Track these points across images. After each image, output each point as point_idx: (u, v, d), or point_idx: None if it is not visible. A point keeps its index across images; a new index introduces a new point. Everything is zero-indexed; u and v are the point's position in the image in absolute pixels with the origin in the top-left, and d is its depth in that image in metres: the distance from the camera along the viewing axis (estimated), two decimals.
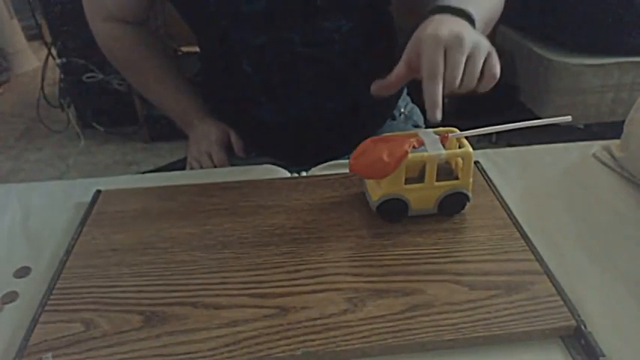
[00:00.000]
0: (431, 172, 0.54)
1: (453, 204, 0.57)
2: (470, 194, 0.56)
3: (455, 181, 0.55)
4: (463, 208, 0.57)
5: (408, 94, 0.90)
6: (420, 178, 0.55)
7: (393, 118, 0.86)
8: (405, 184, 0.54)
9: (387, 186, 0.54)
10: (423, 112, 0.91)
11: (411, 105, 0.89)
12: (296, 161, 0.77)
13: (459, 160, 0.55)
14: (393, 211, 0.56)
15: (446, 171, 0.57)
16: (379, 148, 0.53)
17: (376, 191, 0.56)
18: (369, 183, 0.58)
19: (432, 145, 0.53)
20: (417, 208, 0.56)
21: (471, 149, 0.54)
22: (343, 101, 0.75)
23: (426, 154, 0.53)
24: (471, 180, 0.55)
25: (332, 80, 0.73)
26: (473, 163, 0.55)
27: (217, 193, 0.63)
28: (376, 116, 0.83)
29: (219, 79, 0.81)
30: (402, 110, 0.87)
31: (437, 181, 0.55)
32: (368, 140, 0.55)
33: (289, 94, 0.74)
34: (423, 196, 0.55)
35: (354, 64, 0.74)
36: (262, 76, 0.72)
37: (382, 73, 0.78)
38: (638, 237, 0.56)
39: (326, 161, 0.74)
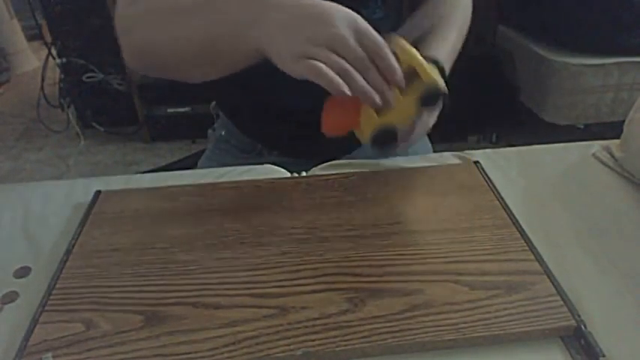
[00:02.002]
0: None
1: (430, 100, 0.54)
2: (442, 87, 0.54)
3: (420, 81, 0.53)
4: (443, 104, 0.56)
5: None
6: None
7: None
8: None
9: (373, 120, 0.53)
10: None
11: None
12: (300, 154, 0.77)
13: (411, 65, 0.53)
14: (387, 139, 0.55)
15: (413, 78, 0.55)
16: (337, 102, 0.53)
17: (367, 127, 0.54)
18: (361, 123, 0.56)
19: None
20: (403, 122, 0.55)
21: (408, 46, 0.53)
22: None
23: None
24: (434, 73, 0.53)
25: None
26: (419, 57, 0.53)
27: (217, 193, 0.63)
28: None
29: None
30: None
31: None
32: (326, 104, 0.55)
33: (296, 82, 0.73)
34: (403, 109, 0.54)
35: None
36: (269, 63, 0.72)
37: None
38: (638, 237, 0.56)
39: (326, 158, 0.74)
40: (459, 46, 0.76)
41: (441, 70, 0.60)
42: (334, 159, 0.74)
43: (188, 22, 0.59)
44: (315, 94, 0.73)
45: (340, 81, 0.49)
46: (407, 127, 0.60)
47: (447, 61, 0.68)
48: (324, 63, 0.48)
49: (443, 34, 0.72)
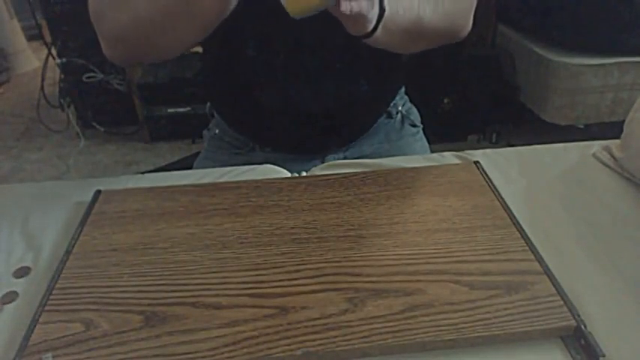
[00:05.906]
0: None
1: None
2: None
3: None
4: None
5: (406, 93, 0.90)
6: None
7: (390, 116, 0.86)
8: None
9: None
10: (421, 112, 0.91)
11: (408, 104, 0.90)
12: (293, 150, 0.76)
13: None
14: None
15: None
16: None
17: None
18: None
19: None
20: None
21: None
22: (342, 90, 0.75)
23: None
24: None
25: (333, 67, 0.74)
26: None
27: (217, 193, 0.63)
28: (373, 108, 0.83)
29: (220, 67, 0.80)
30: (400, 109, 0.87)
31: None
32: None
33: (291, 77, 0.74)
34: None
35: (357, 51, 0.74)
36: (265, 59, 0.72)
37: (382, 62, 0.78)
38: (638, 237, 0.56)
39: (321, 153, 0.73)
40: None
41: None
42: (329, 151, 0.74)
43: None
44: (304, 92, 0.73)
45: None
46: None
47: None
48: None
49: None
